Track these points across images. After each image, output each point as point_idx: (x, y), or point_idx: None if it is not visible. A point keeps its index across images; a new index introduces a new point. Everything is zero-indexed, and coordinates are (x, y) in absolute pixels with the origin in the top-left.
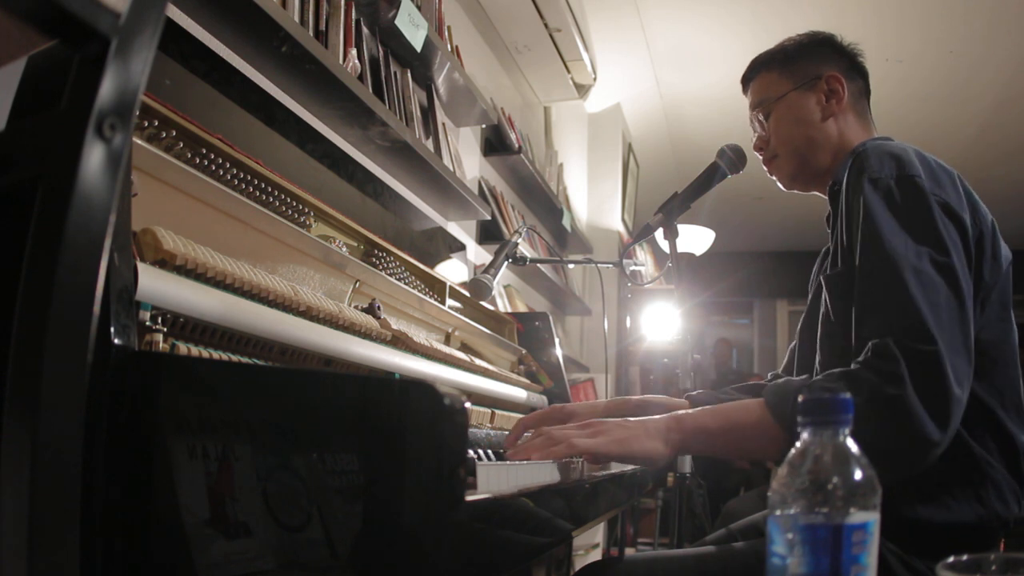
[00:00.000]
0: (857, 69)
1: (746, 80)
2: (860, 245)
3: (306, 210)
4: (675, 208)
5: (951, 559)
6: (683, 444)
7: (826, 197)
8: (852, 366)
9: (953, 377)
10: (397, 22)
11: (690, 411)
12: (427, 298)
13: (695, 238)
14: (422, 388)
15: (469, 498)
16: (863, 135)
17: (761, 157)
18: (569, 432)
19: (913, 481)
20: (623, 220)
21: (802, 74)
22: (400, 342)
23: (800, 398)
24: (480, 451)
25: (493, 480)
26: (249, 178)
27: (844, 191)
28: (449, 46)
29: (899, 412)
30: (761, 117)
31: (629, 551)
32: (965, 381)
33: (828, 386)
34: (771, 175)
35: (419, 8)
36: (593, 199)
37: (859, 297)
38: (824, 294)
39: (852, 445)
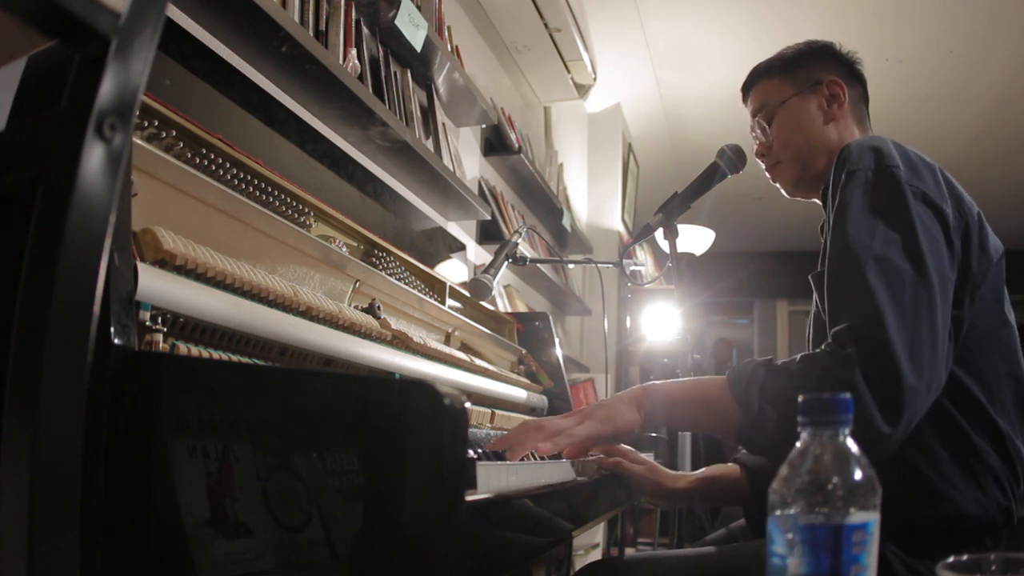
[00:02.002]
0: (856, 76)
1: (746, 88)
2: (831, 236)
3: (306, 210)
4: (675, 208)
5: (951, 559)
6: (653, 410)
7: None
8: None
9: (908, 366)
10: (397, 22)
11: (658, 382)
12: (427, 298)
13: (695, 238)
14: (422, 388)
15: (469, 498)
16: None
17: (764, 164)
18: (562, 424)
19: (914, 479)
20: (623, 220)
21: (803, 79)
22: (400, 342)
23: (799, 394)
24: (480, 451)
25: (493, 480)
26: (249, 178)
27: (831, 190)
28: (449, 46)
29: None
30: (763, 123)
31: (629, 551)
32: (927, 371)
33: (787, 367)
34: (775, 183)
35: (419, 8)
36: (593, 199)
37: (827, 288)
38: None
39: (852, 445)
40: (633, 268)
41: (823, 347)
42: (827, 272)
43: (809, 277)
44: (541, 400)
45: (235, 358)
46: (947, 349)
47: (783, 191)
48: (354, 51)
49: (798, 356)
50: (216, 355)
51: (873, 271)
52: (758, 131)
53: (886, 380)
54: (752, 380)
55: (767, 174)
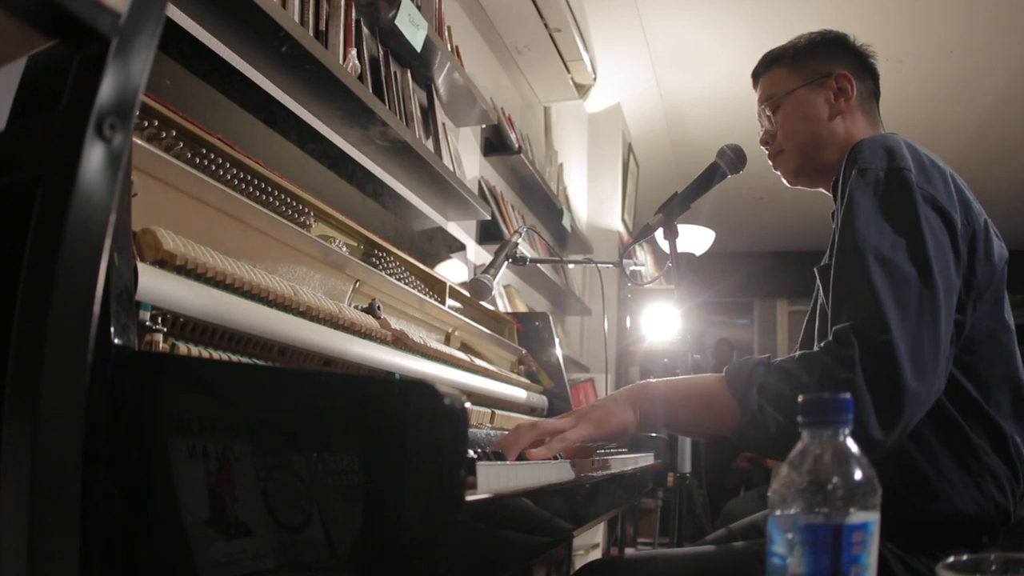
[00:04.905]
0: (868, 70)
1: (756, 75)
2: (839, 233)
3: (306, 210)
4: (675, 208)
5: (951, 559)
6: (650, 411)
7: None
8: (814, 349)
9: (910, 370)
10: (397, 22)
11: (654, 380)
12: (427, 298)
13: (695, 238)
14: (422, 388)
15: (469, 498)
16: (870, 133)
17: (767, 152)
18: (556, 425)
19: (912, 476)
20: (623, 220)
21: (812, 71)
22: (400, 342)
23: (797, 393)
24: (480, 451)
25: (493, 480)
26: (249, 178)
27: (840, 184)
28: (449, 46)
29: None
30: (769, 112)
31: (629, 551)
32: (929, 376)
33: (786, 366)
34: (775, 170)
35: (419, 8)
36: (593, 199)
37: (832, 286)
38: (818, 287)
39: (852, 445)
40: (633, 268)
41: (823, 345)
42: (834, 270)
43: (815, 269)
44: (541, 400)
45: (235, 358)
46: (949, 355)
47: (783, 179)
48: (354, 51)
49: (797, 353)
50: (216, 355)
51: (878, 272)
52: (764, 119)
53: (887, 382)
54: (751, 379)
55: (769, 161)
